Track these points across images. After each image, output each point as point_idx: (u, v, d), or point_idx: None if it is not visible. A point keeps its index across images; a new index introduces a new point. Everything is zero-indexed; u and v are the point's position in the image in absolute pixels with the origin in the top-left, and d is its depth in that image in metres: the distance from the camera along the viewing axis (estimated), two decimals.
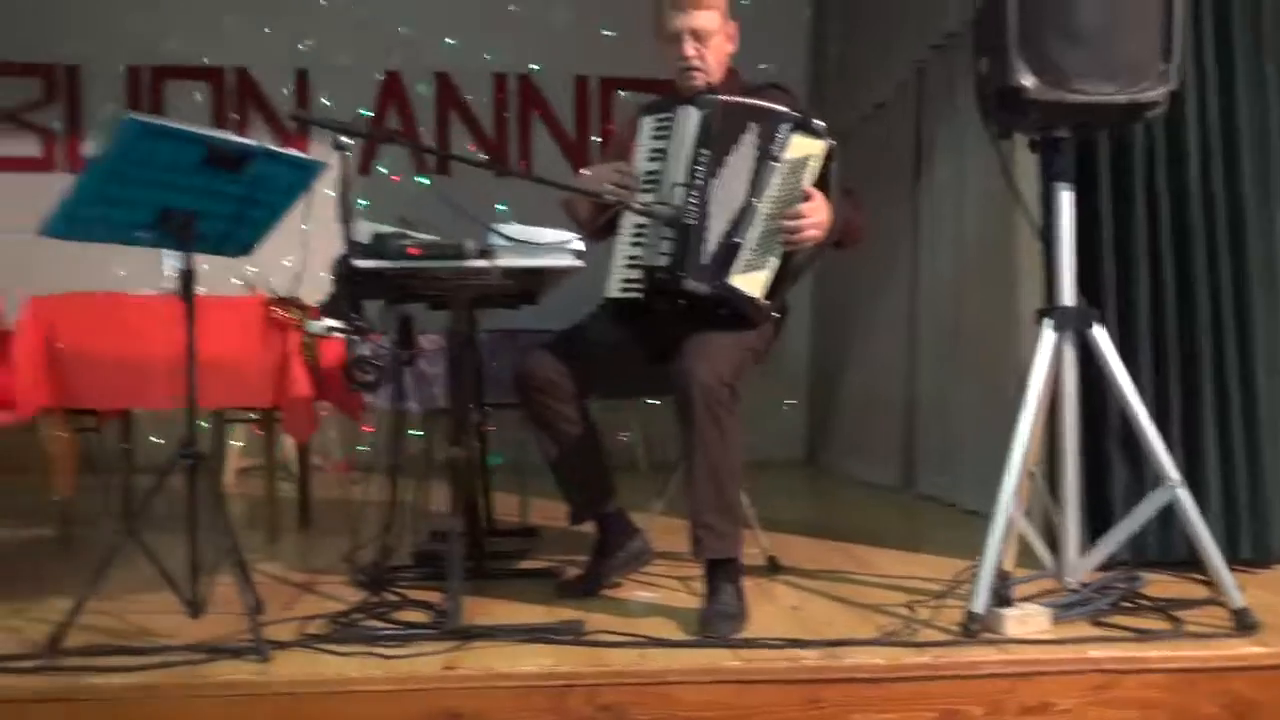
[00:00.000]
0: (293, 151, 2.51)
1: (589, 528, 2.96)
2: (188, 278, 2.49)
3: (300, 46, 6.48)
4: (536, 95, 6.65)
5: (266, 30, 6.41)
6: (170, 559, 2.70)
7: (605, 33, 6.49)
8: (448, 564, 2.59)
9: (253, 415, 4.19)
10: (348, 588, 3.04)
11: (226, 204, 2.48)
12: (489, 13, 6.50)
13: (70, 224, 2.33)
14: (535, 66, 6.63)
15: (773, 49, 3.29)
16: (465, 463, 2.73)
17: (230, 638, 2.41)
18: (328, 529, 4.23)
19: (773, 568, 3.16)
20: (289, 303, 3.85)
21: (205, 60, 6.45)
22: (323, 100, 6.49)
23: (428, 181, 6.32)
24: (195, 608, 2.61)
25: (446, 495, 2.71)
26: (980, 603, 2.41)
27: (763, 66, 2.99)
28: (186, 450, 2.50)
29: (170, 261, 4.08)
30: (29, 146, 6.26)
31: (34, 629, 2.60)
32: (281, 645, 2.37)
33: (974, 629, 2.39)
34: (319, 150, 5.97)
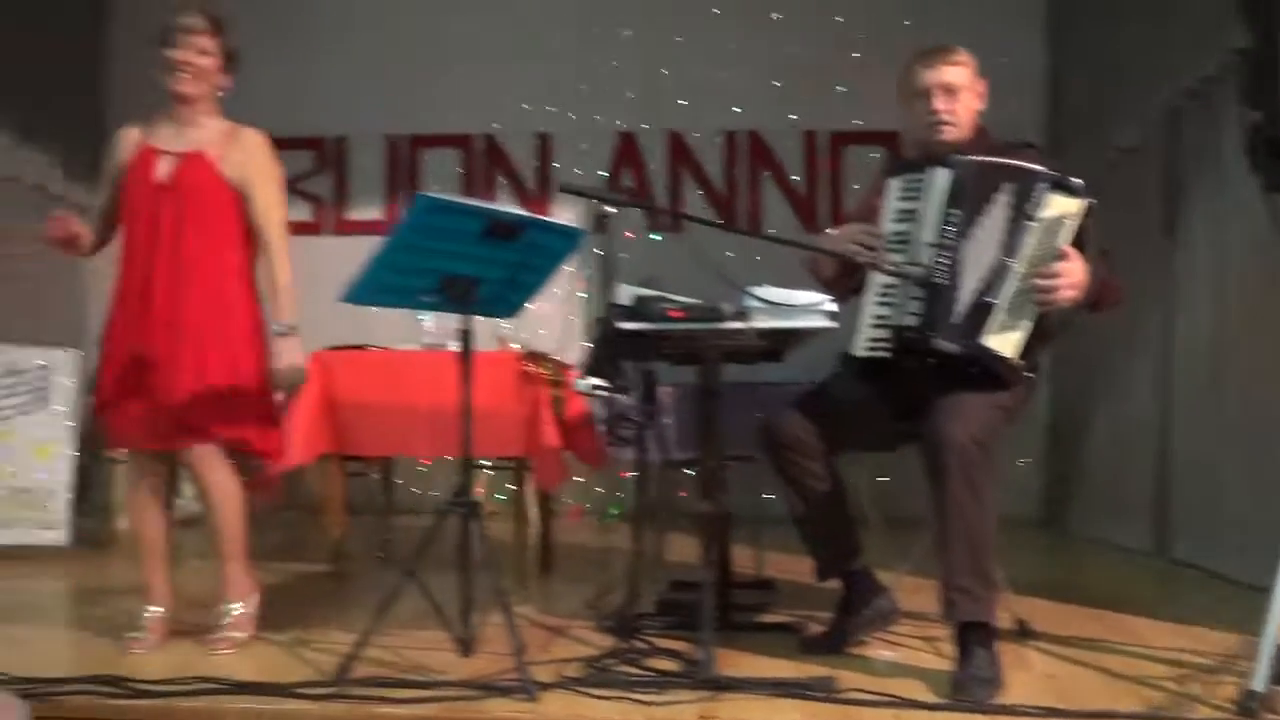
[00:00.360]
0: (561, 221, 2.69)
1: (831, 583, 2.98)
2: (466, 338, 2.69)
3: (544, 110, 6.83)
4: (765, 151, 6.75)
5: (511, 99, 6.80)
6: (439, 598, 2.90)
7: (837, 88, 6.55)
8: (699, 615, 2.66)
9: (505, 464, 4.41)
10: (595, 633, 3.17)
11: (501, 270, 2.68)
12: (718, 72, 6.67)
13: (368, 292, 2.58)
14: (764, 123, 6.73)
15: (1008, 99, 3.25)
16: (715, 516, 2.80)
17: (499, 676, 2.56)
18: (569, 574, 4.41)
19: (1023, 633, 3.08)
20: (540, 358, 4.07)
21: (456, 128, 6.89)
22: (555, 164, 6.84)
23: (659, 237, 6.55)
24: (466, 646, 2.79)
25: (688, 545, 2.80)
26: (1260, 680, 2.29)
27: (993, 112, 2.97)
28: (461, 498, 2.69)
29: (427, 321, 4.42)
30: (301, 212, 6.85)
31: (321, 658, 2.85)
32: (546, 686, 2.51)
33: (1253, 707, 2.27)
34: (560, 213, 6.32)
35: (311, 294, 5.49)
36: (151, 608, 3.04)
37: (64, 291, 6.59)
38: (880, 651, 2.90)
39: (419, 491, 6.26)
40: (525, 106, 6.82)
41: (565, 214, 5.99)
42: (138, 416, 2.91)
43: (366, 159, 6.95)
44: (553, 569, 4.48)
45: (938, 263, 2.67)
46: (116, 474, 5.88)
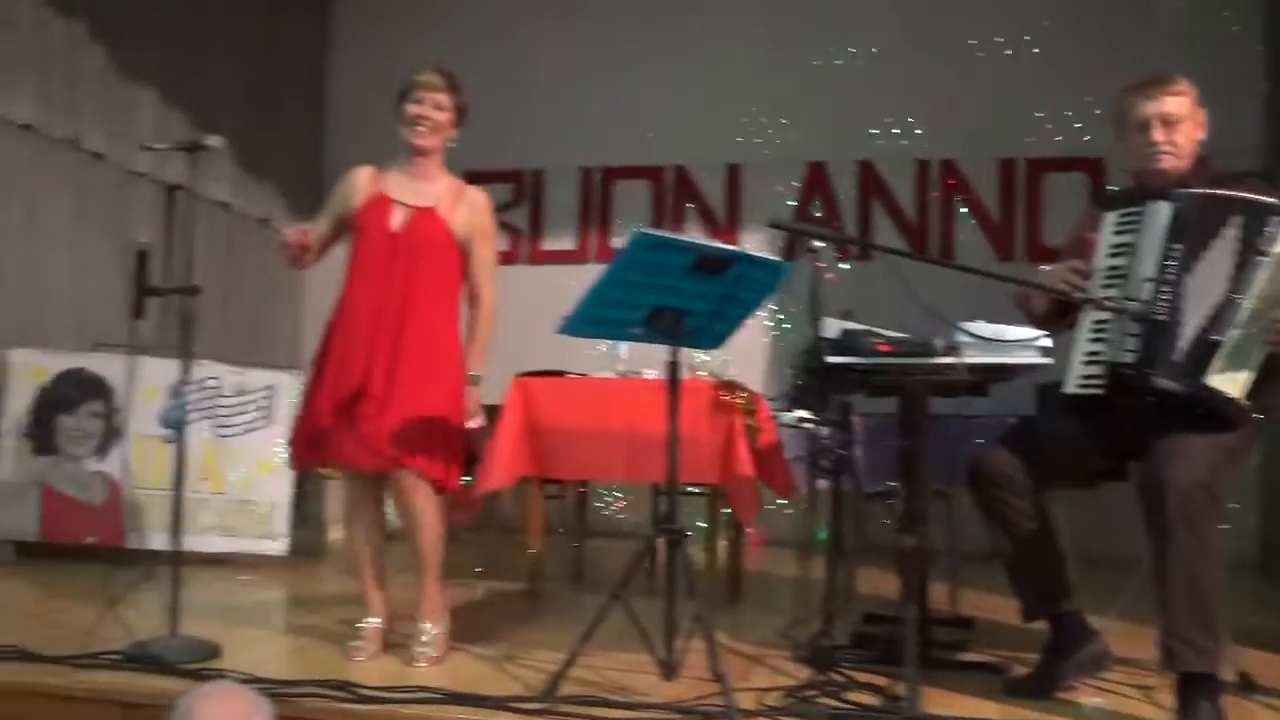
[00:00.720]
0: (769, 255, 2.74)
1: (1035, 625, 2.91)
2: (674, 369, 2.77)
3: (733, 141, 6.92)
4: (960, 180, 6.64)
5: (701, 132, 6.91)
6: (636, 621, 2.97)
7: (1035, 114, 6.39)
8: (900, 649, 2.65)
9: (696, 491, 4.48)
10: (791, 663, 3.18)
11: (708, 303, 2.75)
12: (910, 100, 6.61)
13: (583, 324, 2.69)
14: (958, 151, 6.62)
15: (1224, 125, 3.11)
16: (918, 550, 2.78)
17: (701, 701, 2.61)
18: (757, 603, 4.44)
19: (1246, 686, 2.93)
20: (734, 387, 4.12)
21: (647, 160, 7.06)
22: (744, 195, 6.91)
23: (848, 266, 6.53)
24: (668, 669, 2.85)
25: (878, 578, 2.79)
26: None
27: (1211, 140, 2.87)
28: (668, 524, 2.76)
29: (622, 349, 4.54)
30: (499, 243, 7.09)
31: (527, 674, 2.97)
32: (748, 714, 2.54)
33: None
34: (748, 242, 6.35)
35: (510, 321, 5.70)
36: (370, 619, 3.23)
37: (285, 319, 7.09)
38: (1091, 698, 2.81)
39: (609, 515, 6.43)
40: (714, 137, 6.90)
41: (752, 243, 6.05)
42: (350, 440, 3.08)
43: (561, 191, 7.19)
44: (741, 597, 4.52)
45: (1158, 298, 2.59)
46: (329, 489, 6.26)
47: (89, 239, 5.53)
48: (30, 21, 5.16)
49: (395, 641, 3.26)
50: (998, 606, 3.87)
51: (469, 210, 3.22)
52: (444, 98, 3.18)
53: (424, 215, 3.17)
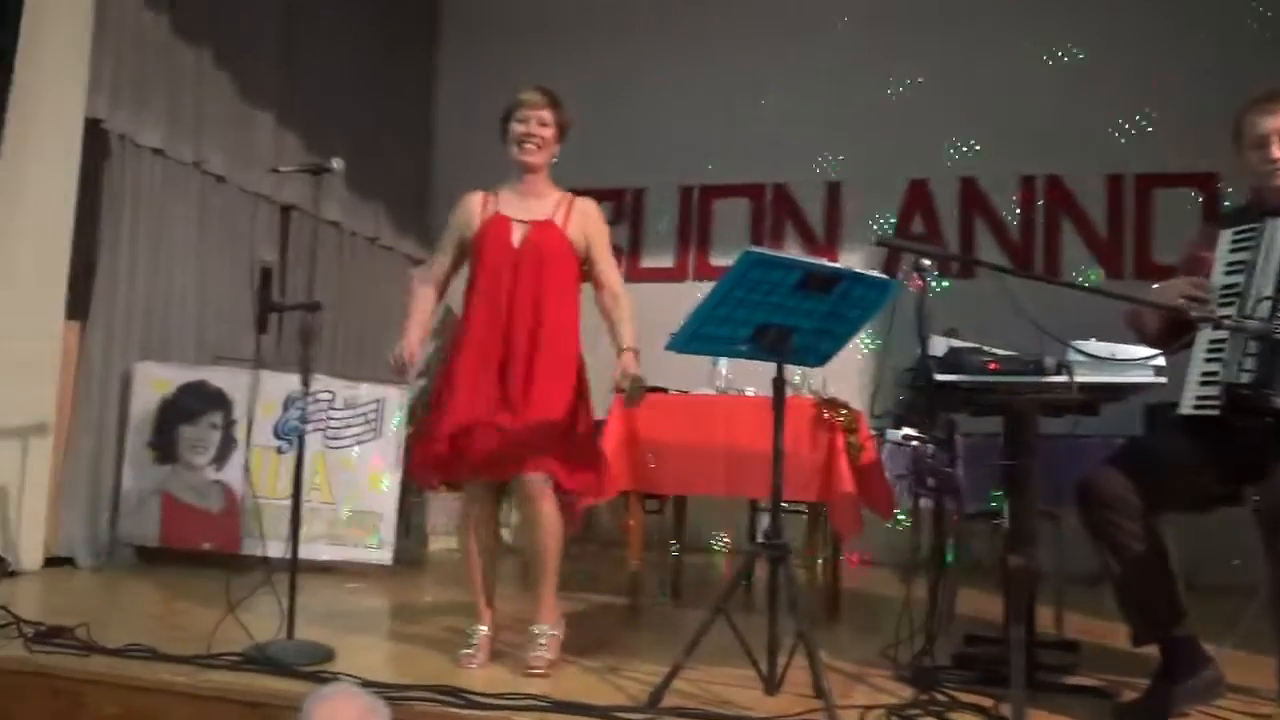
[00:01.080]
0: (876, 273, 2.75)
1: (1145, 650, 2.86)
2: (780, 385, 2.80)
3: (833, 158, 6.94)
4: (1066, 196, 6.53)
5: (801, 149, 6.93)
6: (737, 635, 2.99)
7: (1147, 129, 6.26)
8: (1006, 671, 2.63)
9: (795, 509, 4.48)
10: (892, 682, 3.17)
11: (814, 320, 2.78)
12: (1014, 116, 6.52)
13: (691, 341, 2.74)
14: (1063, 167, 6.52)
15: None
16: (1026, 571, 2.76)
17: (803, 716, 2.62)
18: (856, 621, 4.42)
19: None
20: (835, 405, 4.12)
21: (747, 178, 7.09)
22: (850, 212, 6.89)
23: (947, 284, 6.46)
24: (771, 684, 2.87)
25: (978, 599, 2.76)
26: None
27: None
28: (772, 540, 2.78)
29: (721, 365, 4.57)
30: None
31: (630, 685, 3.01)
32: None
33: None
34: (848, 260, 6.34)
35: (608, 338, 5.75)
36: (480, 627, 3.31)
37: (393, 335, 7.26)
38: None
39: (707, 531, 6.46)
40: (814, 155, 6.91)
41: (852, 261, 6.03)
42: (483, 449, 3.17)
43: (661, 209, 7.27)
44: (840, 616, 4.50)
45: (1276, 317, 2.54)
46: (432, 502, 6.42)
47: (210, 257, 5.77)
48: (162, 48, 5.43)
49: (501, 650, 3.34)
50: (1106, 631, 3.80)
51: (582, 218, 3.34)
52: (547, 114, 3.30)
53: (542, 228, 3.27)
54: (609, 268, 3.37)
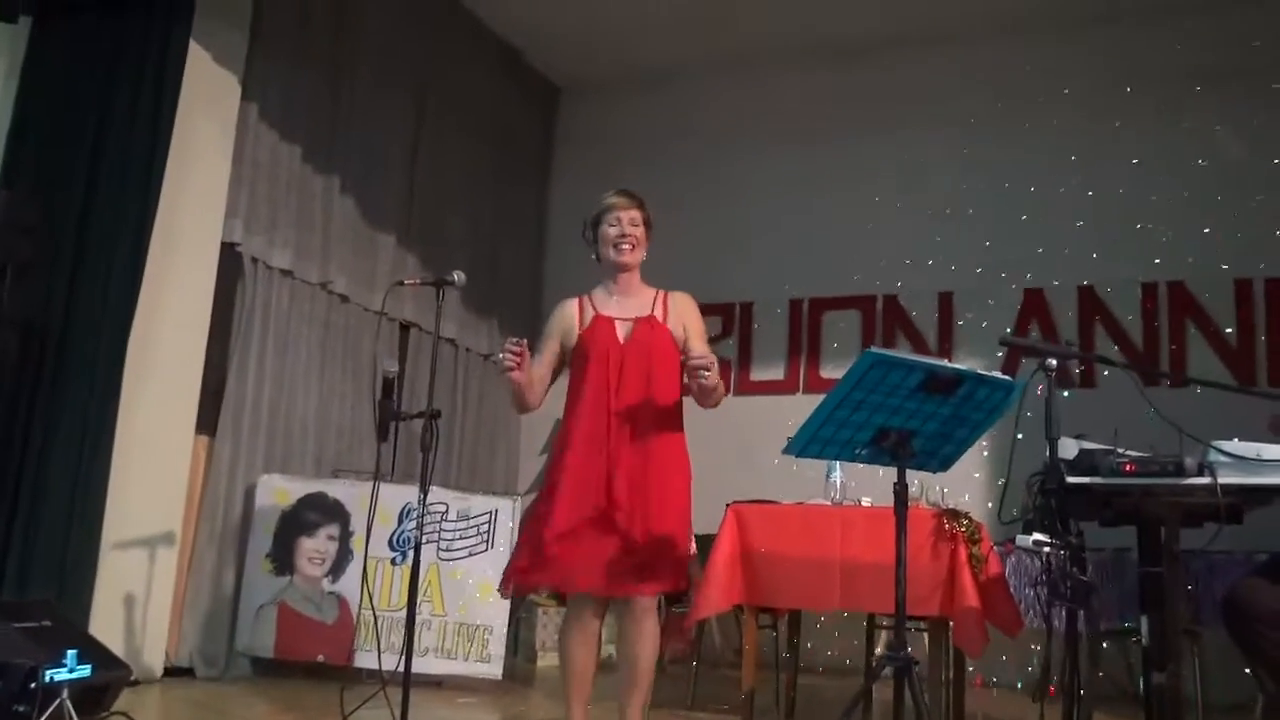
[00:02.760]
0: (999, 375, 2.68)
1: None
2: (902, 489, 2.72)
3: (947, 269, 6.87)
4: (1190, 302, 6.32)
5: (911, 259, 6.89)
6: None
7: (1276, 231, 6.08)
8: None
9: (917, 624, 4.32)
10: None
11: (935, 423, 2.71)
12: (1132, 221, 6.40)
13: (810, 444, 2.70)
14: (1187, 272, 6.34)
15: None
16: (1171, 689, 2.59)
17: None
18: None
19: None
20: (957, 516, 3.99)
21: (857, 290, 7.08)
22: (958, 321, 6.80)
23: (1068, 394, 6.27)
24: None
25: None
26: None
27: None
28: (896, 654, 2.67)
29: (835, 475, 4.48)
30: None
31: None
32: None
33: None
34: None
35: (721, 451, 5.74)
36: None
37: (503, 449, 7.38)
38: None
39: (820, 650, 6.27)
40: (925, 264, 6.87)
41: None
42: (596, 560, 3.10)
43: (770, 322, 7.27)
44: None
45: None
46: (539, 617, 6.38)
47: (332, 373, 5.96)
48: (293, 176, 5.73)
49: None
50: None
51: (680, 310, 3.33)
52: (637, 214, 3.33)
53: (646, 324, 3.27)
54: (706, 351, 3.23)
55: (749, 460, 5.88)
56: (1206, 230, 6.27)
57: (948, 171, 6.89)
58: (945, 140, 6.93)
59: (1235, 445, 2.39)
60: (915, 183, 6.96)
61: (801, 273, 7.15)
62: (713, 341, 7.14)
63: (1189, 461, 2.38)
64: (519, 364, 3.16)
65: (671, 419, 3.25)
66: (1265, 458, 2.36)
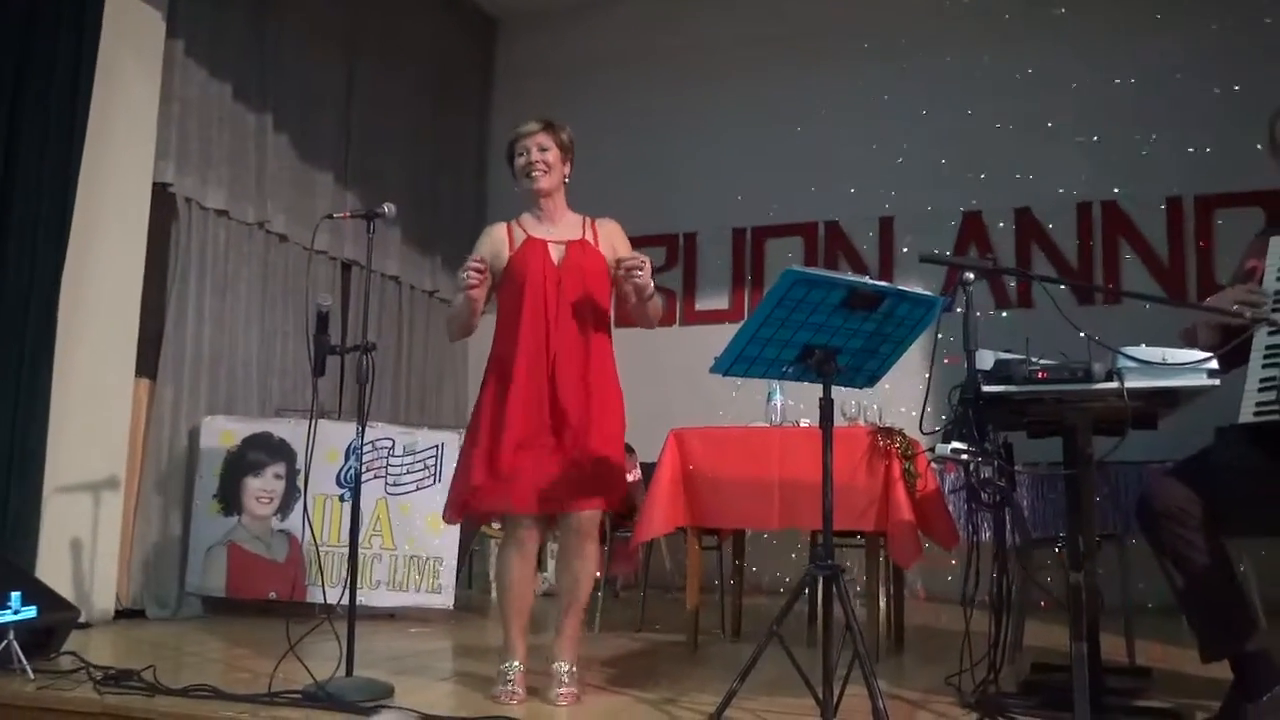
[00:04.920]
0: (920, 290, 2.74)
1: (1216, 668, 2.76)
2: (828, 408, 2.78)
3: (887, 194, 6.95)
4: (1124, 221, 6.44)
5: (852, 186, 6.94)
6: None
7: (1205, 150, 6.18)
8: (1070, 693, 2.56)
9: (856, 541, 4.43)
10: (958, 708, 3.10)
11: (859, 340, 2.77)
12: (1067, 143, 6.49)
13: (735, 362, 2.74)
14: (1120, 190, 6.44)
15: None
16: (1088, 589, 2.69)
17: None
18: (921, 653, 4.34)
19: None
20: (891, 433, 4.09)
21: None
22: (897, 246, 6.88)
23: (1005, 315, 6.41)
24: (827, 711, 2.82)
25: (1046, 632, 2.69)
26: None
27: None
28: (823, 563, 2.75)
29: (775, 399, 4.56)
30: None
31: (686, 715, 2.98)
32: None
33: None
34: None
35: (664, 379, 5.79)
36: (515, 663, 3.25)
37: (450, 383, 7.39)
38: None
39: (765, 571, 6.40)
40: (866, 191, 6.92)
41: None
42: (538, 480, 3.14)
43: (714, 252, 7.31)
44: (905, 647, 4.43)
45: None
46: (490, 548, 6.45)
47: (273, 313, 5.92)
48: (225, 114, 5.63)
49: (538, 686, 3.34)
50: (1181, 659, 3.69)
51: (608, 236, 3.36)
52: (544, 138, 3.32)
53: (578, 247, 3.29)
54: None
55: (696, 389, 5.93)
56: (1139, 151, 6.36)
57: (886, 99, 6.93)
58: (883, 68, 6.97)
59: (1142, 350, 2.47)
60: (855, 111, 6.99)
61: (744, 202, 7.19)
62: (657, 272, 7.15)
63: (1097, 367, 2.46)
64: (480, 281, 3.20)
65: (604, 342, 3.29)
66: (1171, 361, 2.44)
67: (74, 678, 3.36)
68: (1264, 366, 2.64)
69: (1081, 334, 2.44)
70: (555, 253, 3.29)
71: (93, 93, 4.76)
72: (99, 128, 4.81)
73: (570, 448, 3.15)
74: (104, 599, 4.86)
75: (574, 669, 3.23)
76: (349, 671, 3.27)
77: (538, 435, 3.16)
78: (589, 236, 3.33)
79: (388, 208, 3.51)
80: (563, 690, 3.15)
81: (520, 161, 3.34)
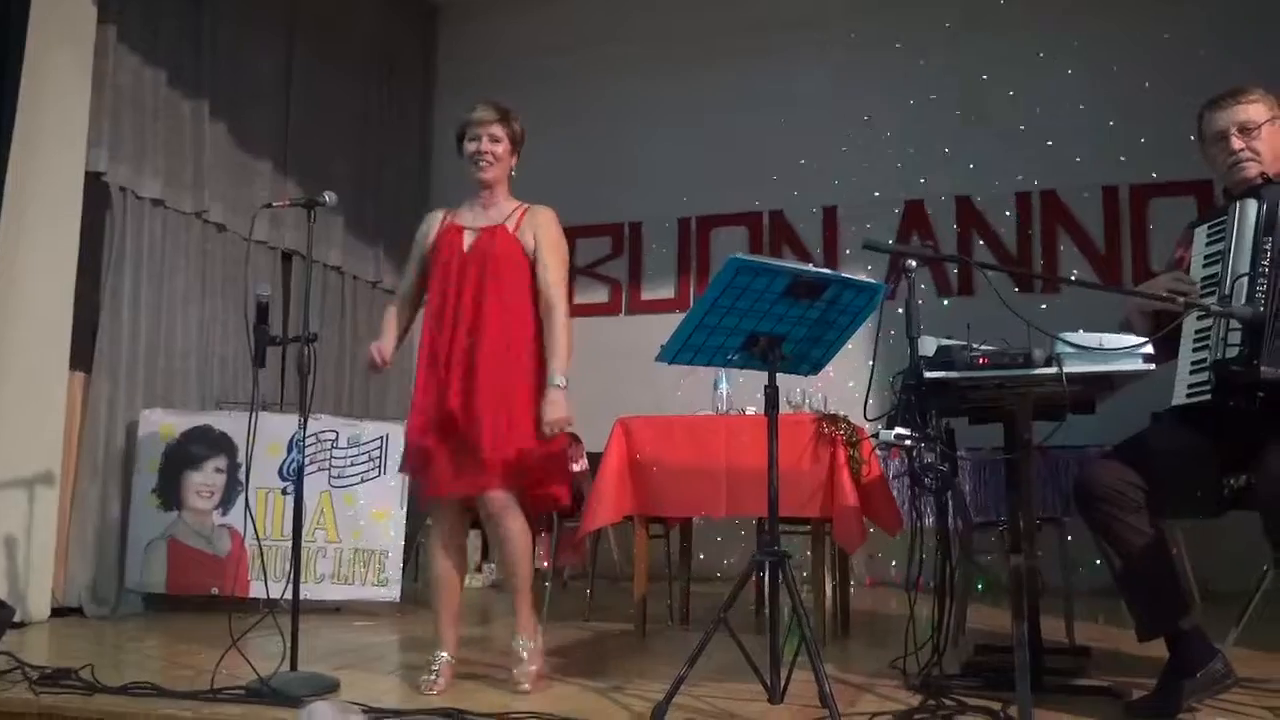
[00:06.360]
0: (862, 278, 2.76)
1: (1153, 648, 2.83)
2: (773, 395, 2.80)
3: (829, 184, 7.00)
4: (1062, 210, 6.55)
5: (796, 176, 6.99)
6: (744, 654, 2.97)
7: (1140, 140, 6.30)
8: (1011, 672, 2.60)
9: (801, 528, 4.45)
10: (902, 691, 3.14)
11: (804, 327, 2.79)
12: (1007, 133, 6.58)
13: (682, 351, 2.75)
14: (1058, 181, 6.55)
15: None
16: (1028, 570, 2.73)
17: None
18: (867, 638, 4.40)
19: None
20: (836, 420, 4.12)
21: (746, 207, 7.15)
22: (841, 235, 6.94)
23: (947, 303, 6.50)
24: (775, 695, 2.85)
25: (989, 615, 2.73)
26: None
27: None
28: (769, 549, 2.77)
29: (721, 387, 4.58)
30: (599, 294, 7.29)
31: (634, 703, 2.99)
32: None
33: None
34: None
35: (611, 368, 5.80)
36: (441, 654, 3.25)
37: (395, 375, 7.30)
38: (1215, 718, 2.71)
39: (713, 559, 6.44)
40: (808, 181, 6.96)
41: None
42: (445, 465, 3.18)
43: (660, 241, 7.32)
44: (851, 632, 4.47)
45: (1255, 293, 2.56)
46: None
47: (212, 305, 5.82)
48: (160, 102, 5.52)
49: (495, 676, 3.34)
50: (1119, 639, 3.77)
51: (533, 222, 3.33)
52: (498, 129, 3.32)
53: (491, 232, 3.30)
54: (551, 274, 3.28)
55: (643, 378, 5.89)
56: (1076, 140, 6.46)
57: (829, 90, 6.97)
58: (826, 60, 7.01)
59: (1080, 336, 2.51)
60: (799, 102, 7.01)
61: (689, 191, 7.20)
62: (603, 261, 7.28)
63: (1037, 353, 2.49)
64: (379, 370, 3.44)
65: (518, 325, 3.24)
66: (1107, 346, 2.48)
67: (8, 678, 3.29)
68: (1194, 350, 2.71)
69: (1022, 320, 2.47)
70: (468, 239, 3.31)
71: (20, 78, 4.65)
72: (29, 116, 4.69)
73: (474, 432, 3.15)
74: (40, 597, 4.75)
75: (534, 643, 3.24)
76: (293, 666, 3.24)
77: (443, 420, 3.18)
78: (510, 223, 3.32)
79: (328, 196, 3.47)
80: (526, 669, 3.16)
81: (470, 148, 3.34)
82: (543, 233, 3.31)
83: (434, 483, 3.23)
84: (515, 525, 3.22)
